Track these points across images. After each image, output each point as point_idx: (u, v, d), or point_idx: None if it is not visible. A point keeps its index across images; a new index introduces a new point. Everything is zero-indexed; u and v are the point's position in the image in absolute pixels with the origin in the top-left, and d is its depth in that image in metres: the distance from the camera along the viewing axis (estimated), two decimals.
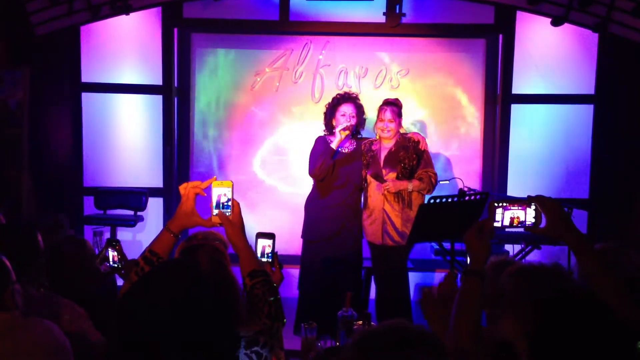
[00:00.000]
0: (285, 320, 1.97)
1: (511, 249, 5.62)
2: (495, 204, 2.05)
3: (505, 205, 2.05)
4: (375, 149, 4.74)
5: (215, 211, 2.03)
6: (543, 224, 2.01)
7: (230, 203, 2.03)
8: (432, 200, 4.10)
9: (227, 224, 2.02)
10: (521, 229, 2.05)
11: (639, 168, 5.93)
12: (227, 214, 2.02)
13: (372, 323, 2.99)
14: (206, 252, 2.19)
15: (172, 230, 2.08)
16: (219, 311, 1.52)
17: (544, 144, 6.23)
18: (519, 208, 2.03)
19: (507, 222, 2.05)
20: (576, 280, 2.37)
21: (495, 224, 2.06)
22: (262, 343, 1.84)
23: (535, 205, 2.01)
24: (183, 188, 2.08)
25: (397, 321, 1.33)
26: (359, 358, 1.28)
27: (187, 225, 2.08)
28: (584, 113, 6.20)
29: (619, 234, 5.69)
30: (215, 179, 2.05)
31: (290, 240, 5.51)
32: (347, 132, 4.60)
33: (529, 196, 2.01)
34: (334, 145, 4.62)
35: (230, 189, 2.04)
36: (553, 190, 6.06)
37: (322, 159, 4.63)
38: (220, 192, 2.04)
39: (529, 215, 2.04)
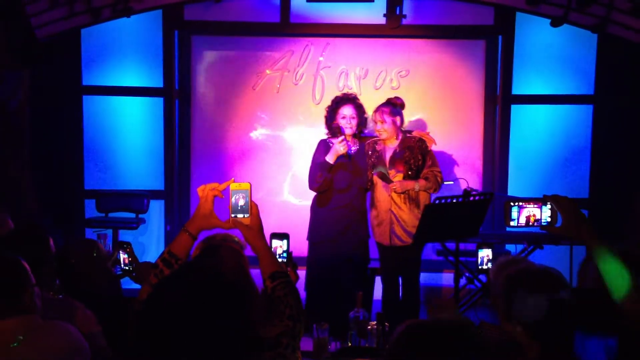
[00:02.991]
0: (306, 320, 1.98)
1: (513, 248, 5.65)
2: (511, 203, 2.07)
3: (521, 204, 2.07)
4: (380, 149, 4.73)
5: (233, 214, 2.03)
6: (559, 224, 2.03)
7: (248, 205, 2.03)
8: (437, 201, 4.12)
9: (243, 229, 2.02)
10: (525, 228, 2.07)
11: (638, 167, 5.97)
12: (246, 216, 2.02)
13: (385, 324, 3.00)
14: (229, 252, 2.19)
15: (190, 231, 2.07)
16: (245, 314, 1.52)
17: (544, 144, 6.26)
18: (535, 206, 2.05)
19: (523, 221, 2.07)
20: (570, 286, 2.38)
21: (511, 223, 2.08)
22: (284, 345, 1.84)
23: (551, 204, 2.03)
24: (201, 190, 2.07)
25: (458, 320, 1.35)
26: (408, 347, 1.29)
27: (205, 227, 2.08)
28: (584, 113, 6.24)
29: (620, 233, 5.72)
30: (233, 181, 2.05)
31: (295, 242, 5.49)
32: (345, 148, 4.58)
33: (544, 195, 2.04)
34: (331, 160, 4.62)
35: (248, 191, 2.04)
36: (553, 190, 5.96)
37: (322, 176, 4.63)
38: (238, 194, 2.04)
39: (544, 213, 2.06)
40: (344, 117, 4.71)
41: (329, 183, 4.67)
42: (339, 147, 4.54)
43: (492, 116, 6.36)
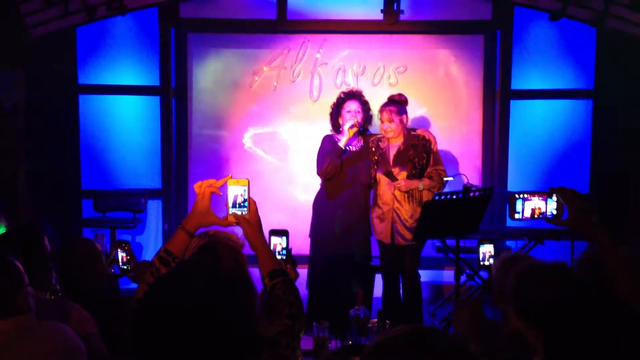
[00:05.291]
0: (305, 319, 1.93)
1: (514, 244, 5.61)
2: (516, 196, 2.03)
3: (526, 197, 2.02)
4: (384, 147, 4.68)
5: (231, 210, 1.99)
6: (565, 217, 1.99)
7: (246, 202, 1.99)
8: (436, 197, 4.07)
9: (244, 224, 1.98)
10: (526, 224, 2.04)
11: (637, 162, 5.93)
12: (244, 213, 1.98)
13: (386, 321, 2.96)
14: (226, 249, 2.15)
15: (187, 229, 2.03)
16: (243, 312, 1.49)
17: (543, 139, 6.23)
18: (540, 199, 2.01)
19: (527, 214, 2.03)
20: (583, 279, 2.34)
21: (516, 215, 2.04)
22: (284, 345, 1.80)
23: (557, 196, 1.99)
24: (198, 186, 2.03)
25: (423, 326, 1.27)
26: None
27: (203, 225, 2.04)
28: (584, 107, 6.21)
29: (620, 228, 5.68)
30: (231, 177, 2.01)
31: (295, 240, 5.45)
32: (355, 129, 4.57)
33: (551, 188, 2.00)
34: (342, 144, 4.59)
35: (246, 187, 2.00)
36: (553, 185, 6.04)
37: (330, 158, 4.60)
38: (236, 190, 2.00)
39: (550, 206, 2.02)
40: (348, 112, 4.69)
41: (338, 168, 4.62)
42: (351, 120, 4.57)
43: (491, 112, 6.33)
